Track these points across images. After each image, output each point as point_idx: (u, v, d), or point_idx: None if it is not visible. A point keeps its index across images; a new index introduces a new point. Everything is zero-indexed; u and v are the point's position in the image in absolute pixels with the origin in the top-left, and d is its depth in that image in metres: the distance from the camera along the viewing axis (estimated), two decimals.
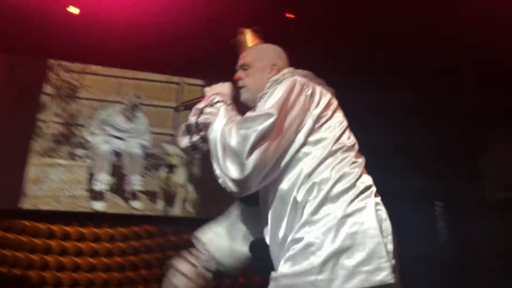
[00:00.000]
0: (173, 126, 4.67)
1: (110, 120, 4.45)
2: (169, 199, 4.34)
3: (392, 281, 1.20)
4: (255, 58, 1.63)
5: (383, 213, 1.33)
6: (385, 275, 1.19)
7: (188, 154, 1.62)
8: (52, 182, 4.04)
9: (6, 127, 3.99)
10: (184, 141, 1.53)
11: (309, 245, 1.24)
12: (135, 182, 4.31)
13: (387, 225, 1.31)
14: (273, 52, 1.66)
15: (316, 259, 1.21)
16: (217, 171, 1.34)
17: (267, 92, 1.45)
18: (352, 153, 1.40)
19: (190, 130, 1.50)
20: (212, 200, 4.46)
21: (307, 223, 1.27)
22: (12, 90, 4.18)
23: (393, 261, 1.24)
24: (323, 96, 1.44)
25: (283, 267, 1.27)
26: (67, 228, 4.27)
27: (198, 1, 4.06)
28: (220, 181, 1.33)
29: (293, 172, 1.34)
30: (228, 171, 1.29)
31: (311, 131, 1.37)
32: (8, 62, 4.26)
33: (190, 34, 4.45)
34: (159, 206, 4.34)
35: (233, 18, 4.40)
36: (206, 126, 1.44)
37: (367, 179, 1.37)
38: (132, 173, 4.32)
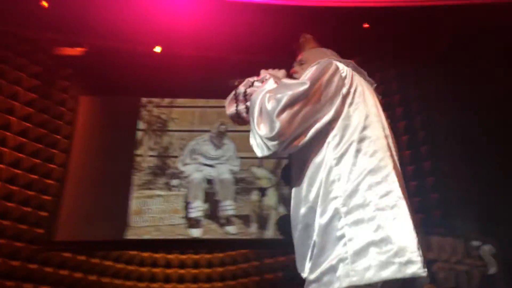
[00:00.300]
0: None
1: (199, 149, 4.63)
2: (262, 222, 4.36)
3: (424, 274, 1.23)
4: (310, 55, 1.77)
5: (410, 210, 1.34)
6: (417, 268, 1.22)
7: (233, 121, 1.67)
8: (152, 213, 4.27)
9: (110, 163, 4.31)
10: (231, 109, 1.62)
11: (342, 236, 1.28)
12: (228, 207, 4.40)
13: (414, 222, 1.33)
14: (327, 52, 1.77)
15: (350, 249, 1.25)
16: (252, 133, 1.43)
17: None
18: (379, 147, 1.40)
19: (238, 98, 1.60)
20: None
21: (338, 212, 1.30)
22: (111, 129, 4.53)
23: (423, 257, 1.25)
24: (357, 84, 1.49)
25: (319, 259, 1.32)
26: (168, 256, 4.45)
27: (273, 27, 4.13)
28: (252, 142, 1.43)
29: (322, 149, 1.40)
30: (260, 130, 1.38)
31: (340, 111, 1.42)
32: (107, 103, 4.64)
33: (267, 60, 4.53)
34: (253, 229, 4.37)
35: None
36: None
37: (396, 177, 1.37)
38: (224, 198, 4.42)
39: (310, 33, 1.92)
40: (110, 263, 4.22)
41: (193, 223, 4.29)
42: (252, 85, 1.59)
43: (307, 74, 1.46)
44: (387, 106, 4.61)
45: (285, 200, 4.51)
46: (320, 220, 1.33)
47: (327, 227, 1.31)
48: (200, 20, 4.07)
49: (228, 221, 4.35)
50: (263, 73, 1.68)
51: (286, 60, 4.77)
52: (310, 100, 1.39)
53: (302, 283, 1.44)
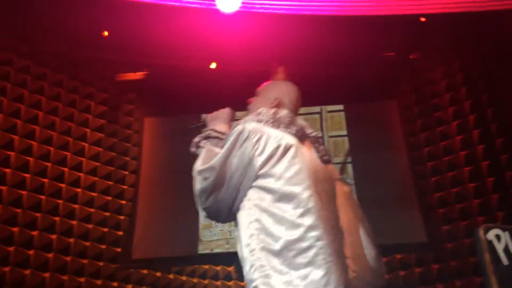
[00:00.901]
0: None
1: None
2: None
3: None
4: (266, 88, 1.86)
5: None
6: None
7: None
8: (221, 226, 4.32)
9: (177, 180, 4.42)
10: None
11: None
12: None
13: None
14: (283, 88, 1.85)
15: None
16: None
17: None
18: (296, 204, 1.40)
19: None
20: (374, 224, 4.28)
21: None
22: (176, 147, 4.65)
23: None
24: (270, 144, 1.48)
25: None
26: None
27: (326, 38, 4.10)
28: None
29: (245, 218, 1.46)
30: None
31: (256, 178, 1.45)
32: (169, 122, 4.79)
33: (326, 64, 4.51)
34: None
35: (363, 44, 4.36)
36: None
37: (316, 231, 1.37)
38: None
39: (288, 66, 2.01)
40: (185, 278, 4.31)
41: None
42: (198, 145, 1.72)
43: (222, 150, 1.54)
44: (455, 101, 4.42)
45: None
46: None
47: None
48: (252, 34, 4.12)
49: None
50: (209, 121, 1.84)
51: (340, 72, 4.71)
52: (223, 182, 1.50)
53: None
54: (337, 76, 4.62)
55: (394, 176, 4.48)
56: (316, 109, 4.89)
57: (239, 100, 4.67)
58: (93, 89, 4.47)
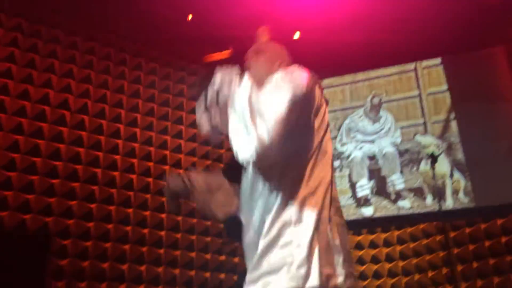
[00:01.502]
0: (422, 115, 4.36)
1: (356, 126, 4.48)
2: (438, 192, 4.02)
3: None
4: (268, 46, 1.69)
5: None
6: None
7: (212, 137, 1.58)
8: None
9: None
10: (206, 126, 1.54)
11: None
12: (397, 181, 4.17)
13: None
14: (281, 51, 1.70)
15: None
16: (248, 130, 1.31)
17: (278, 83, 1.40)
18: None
19: (210, 110, 1.52)
20: (486, 184, 3.95)
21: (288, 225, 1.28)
22: None
23: None
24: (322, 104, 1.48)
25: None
26: None
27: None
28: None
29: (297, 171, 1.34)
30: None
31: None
32: None
33: (417, 15, 4.16)
34: (428, 201, 4.07)
35: None
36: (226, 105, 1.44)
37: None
38: (391, 173, 4.20)
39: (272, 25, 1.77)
40: None
41: (362, 202, 4.18)
42: (218, 94, 1.49)
43: (282, 99, 1.33)
44: None
45: (458, 165, 4.09)
46: None
47: None
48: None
49: (399, 195, 4.13)
50: (219, 75, 1.56)
51: (434, 23, 4.31)
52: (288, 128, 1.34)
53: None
54: (431, 28, 4.25)
55: (505, 130, 4.05)
56: (410, 66, 4.56)
57: (325, 65, 4.59)
58: (184, 73, 4.62)
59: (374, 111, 4.49)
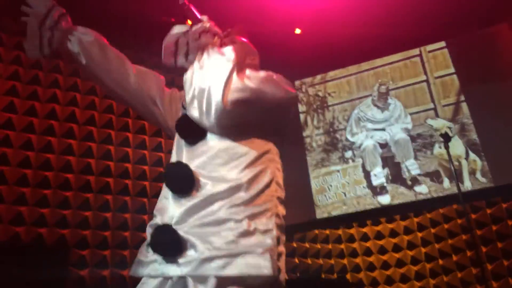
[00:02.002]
0: (431, 99, 4.32)
1: (365, 116, 4.44)
2: (455, 173, 3.95)
3: None
4: (244, 46, 1.65)
5: None
6: None
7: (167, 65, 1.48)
8: (334, 188, 4.24)
9: (281, 151, 4.43)
10: (171, 59, 1.44)
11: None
12: (411, 167, 4.11)
13: None
14: (253, 52, 1.70)
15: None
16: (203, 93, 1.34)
17: None
18: None
19: (178, 49, 1.42)
20: (502, 162, 3.87)
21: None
22: None
23: None
24: None
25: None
26: (362, 229, 4.37)
27: None
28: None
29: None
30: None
31: None
32: None
33: (415, 2, 4.15)
34: (446, 184, 4.00)
35: None
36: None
37: None
38: (404, 159, 4.15)
39: None
40: (308, 245, 4.32)
41: (378, 190, 4.12)
42: (198, 38, 1.42)
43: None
44: None
45: (473, 146, 4.03)
46: None
47: None
48: None
49: (415, 181, 4.07)
50: (205, 21, 1.47)
51: (435, 6, 4.28)
52: None
53: None
54: (432, 12, 4.22)
55: None
56: (415, 51, 4.53)
57: (329, 58, 4.58)
58: None
59: (382, 99, 4.45)
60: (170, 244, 1.27)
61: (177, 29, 1.42)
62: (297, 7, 4.24)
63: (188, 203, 1.32)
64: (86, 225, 3.58)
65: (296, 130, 4.53)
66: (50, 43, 1.45)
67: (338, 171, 4.31)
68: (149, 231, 1.37)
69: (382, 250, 4.24)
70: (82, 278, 3.41)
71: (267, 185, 1.39)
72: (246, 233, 1.27)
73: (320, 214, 4.19)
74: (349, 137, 4.42)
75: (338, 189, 4.23)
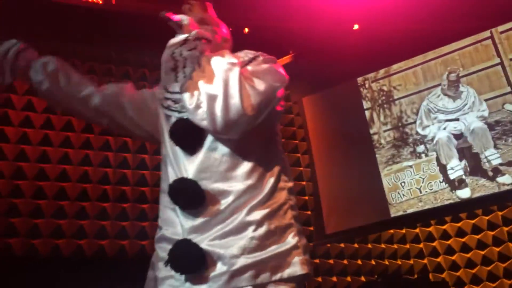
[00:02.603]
0: (508, 83, 4.01)
1: (435, 107, 4.22)
2: None
3: None
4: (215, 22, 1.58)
5: None
6: None
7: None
8: (408, 185, 4.06)
9: (350, 150, 4.34)
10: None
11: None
12: (491, 157, 3.83)
13: None
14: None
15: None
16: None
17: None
18: None
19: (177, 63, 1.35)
20: None
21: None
22: (340, 118, 4.58)
23: None
24: None
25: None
26: (441, 227, 4.16)
27: None
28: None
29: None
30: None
31: None
32: (326, 96, 4.73)
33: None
34: None
35: None
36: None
37: None
38: (484, 149, 3.87)
39: None
40: (384, 246, 4.18)
41: (457, 184, 3.88)
42: (193, 48, 1.34)
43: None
44: None
45: None
46: None
47: None
48: None
49: (497, 171, 3.78)
50: (186, 23, 1.38)
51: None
52: None
53: None
54: None
55: None
56: (485, 34, 4.24)
57: (391, 51, 4.42)
58: None
59: (453, 88, 4.21)
60: (195, 260, 1.20)
61: (172, 42, 1.36)
62: (353, 3, 4.17)
63: (201, 215, 1.27)
64: (105, 234, 3.52)
65: (362, 128, 4.40)
66: (13, 72, 1.50)
67: (410, 166, 4.12)
68: (162, 246, 1.32)
69: (465, 248, 3.99)
70: None
71: (277, 180, 1.36)
72: (270, 234, 1.25)
73: (395, 212, 4.02)
74: (419, 130, 4.21)
75: (412, 185, 4.04)
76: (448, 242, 4.08)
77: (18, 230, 3.28)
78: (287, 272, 1.22)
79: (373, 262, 4.10)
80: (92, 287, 3.25)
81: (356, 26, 4.50)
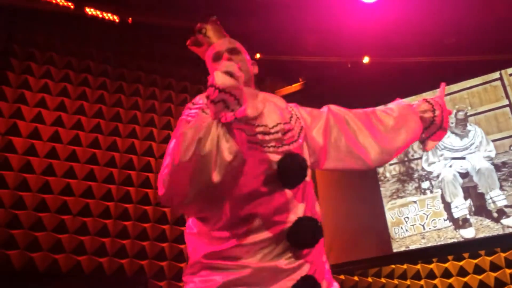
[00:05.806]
0: None
1: (442, 144, 4.23)
2: None
3: None
4: (242, 48, 1.52)
5: None
6: None
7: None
8: (412, 221, 4.04)
9: (354, 182, 4.32)
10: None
11: None
12: (497, 198, 3.82)
13: None
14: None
15: None
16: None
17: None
18: None
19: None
20: None
21: None
22: None
23: None
24: None
25: None
26: (442, 264, 4.11)
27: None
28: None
29: None
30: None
31: None
32: None
33: (492, 25, 3.97)
34: None
35: None
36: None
37: None
38: (489, 189, 3.87)
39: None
40: (384, 280, 4.12)
41: (461, 223, 3.86)
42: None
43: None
44: None
45: None
46: None
47: None
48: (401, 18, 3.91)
49: (502, 213, 3.77)
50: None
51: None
52: None
53: None
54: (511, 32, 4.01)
55: None
56: (495, 75, 4.28)
57: (399, 89, 4.45)
58: None
59: (460, 126, 4.23)
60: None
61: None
62: (365, 34, 4.21)
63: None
64: (125, 253, 3.56)
65: None
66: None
67: (415, 202, 4.10)
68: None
69: None
70: None
71: None
72: None
73: (397, 247, 3.99)
74: (425, 166, 4.21)
75: (415, 221, 4.02)
76: (450, 280, 4.03)
77: (18, 243, 3.26)
78: None
79: None
80: None
81: (366, 59, 4.55)
